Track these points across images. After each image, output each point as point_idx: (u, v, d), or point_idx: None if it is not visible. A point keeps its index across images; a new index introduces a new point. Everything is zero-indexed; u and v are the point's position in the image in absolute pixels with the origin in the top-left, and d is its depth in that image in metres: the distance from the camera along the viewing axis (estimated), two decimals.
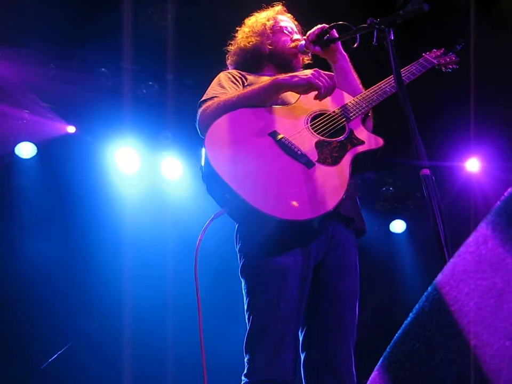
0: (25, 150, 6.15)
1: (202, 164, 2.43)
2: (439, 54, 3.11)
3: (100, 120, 6.14)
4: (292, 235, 2.42)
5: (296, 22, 3.18)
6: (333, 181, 2.39)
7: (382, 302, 6.66)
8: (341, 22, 2.78)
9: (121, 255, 6.01)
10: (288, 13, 3.20)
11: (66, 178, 6.29)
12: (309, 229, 2.42)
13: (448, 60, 3.11)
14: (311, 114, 2.66)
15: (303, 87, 2.62)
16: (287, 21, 3.14)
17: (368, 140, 2.59)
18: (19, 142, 6.11)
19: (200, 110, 2.68)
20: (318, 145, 2.50)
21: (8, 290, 5.90)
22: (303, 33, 3.10)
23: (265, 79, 2.76)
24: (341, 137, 2.56)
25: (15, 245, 6.04)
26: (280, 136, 2.49)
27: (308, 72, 2.63)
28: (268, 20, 3.08)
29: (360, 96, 2.78)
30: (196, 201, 6.39)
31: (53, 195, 6.27)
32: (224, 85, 2.80)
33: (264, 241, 2.45)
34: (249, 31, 3.06)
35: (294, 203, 2.30)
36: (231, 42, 3.15)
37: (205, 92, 2.82)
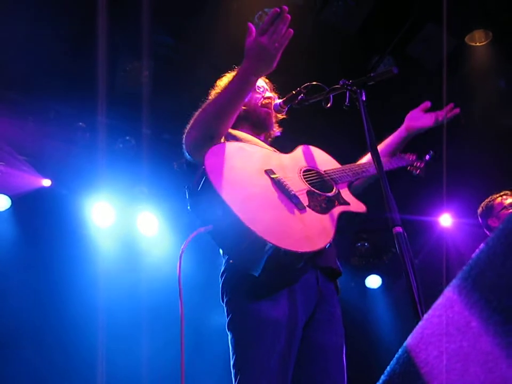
0: None
1: (197, 179, 2.43)
2: (413, 158, 3.35)
3: (76, 174, 6.13)
4: (279, 280, 2.43)
5: (267, 80, 3.25)
6: (321, 225, 2.44)
7: (357, 358, 6.59)
8: (314, 83, 2.85)
9: (95, 308, 5.92)
10: None
11: (41, 232, 6.23)
12: (295, 273, 2.44)
13: (417, 165, 3.34)
14: (303, 167, 2.75)
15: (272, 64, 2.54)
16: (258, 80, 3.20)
17: (352, 203, 2.69)
18: None
19: (184, 136, 2.69)
20: (309, 193, 2.57)
21: None
22: (274, 90, 3.16)
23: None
24: (330, 194, 2.65)
25: None
26: (275, 175, 2.54)
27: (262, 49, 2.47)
28: None
29: (348, 166, 2.93)
30: (171, 258, 6.37)
31: (27, 248, 6.20)
32: None
33: (253, 291, 2.44)
34: None
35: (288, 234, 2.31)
36: (203, 101, 3.18)
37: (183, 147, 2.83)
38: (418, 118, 3.33)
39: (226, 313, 2.57)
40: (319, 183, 2.69)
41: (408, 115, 3.36)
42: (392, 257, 7.69)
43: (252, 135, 2.94)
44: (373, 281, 7.89)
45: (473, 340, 0.93)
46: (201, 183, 2.40)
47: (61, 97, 5.86)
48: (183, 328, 2.25)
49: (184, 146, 2.69)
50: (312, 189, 2.61)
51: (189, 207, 2.72)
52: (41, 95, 5.82)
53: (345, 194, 2.72)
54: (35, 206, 6.26)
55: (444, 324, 1.00)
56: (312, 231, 2.39)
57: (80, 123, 6.09)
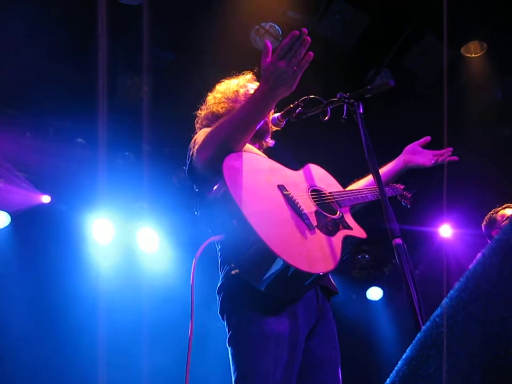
0: None
1: (212, 186, 2.44)
2: (401, 188, 3.43)
3: (75, 190, 6.14)
4: (283, 296, 2.44)
5: None
6: (329, 248, 2.46)
7: (359, 370, 6.56)
8: (312, 96, 2.86)
9: (95, 325, 5.90)
10: (258, 81, 3.25)
11: (41, 249, 6.22)
12: (299, 291, 2.45)
13: (405, 194, 3.44)
14: (311, 187, 2.76)
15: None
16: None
17: (355, 228, 2.70)
18: None
19: (197, 152, 2.64)
20: (317, 214, 2.58)
21: None
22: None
23: None
24: (335, 216, 2.66)
25: None
26: (288, 192, 2.54)
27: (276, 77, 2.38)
28: (240, 87, 3.09)
29: (349, 191, 2.96)
30: (172, 274, 6.36)
31: (26, 265, 6.19)
32: None
33: (255, 305, 2.45)
34: (221, 97, 3.06)
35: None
36: (201, 106, 3.16)
37: (184, 161, 2.82)
38: (418, 154, 3.36)
39: (227, 329, 2.56)
40: (325, 205, 2.69)
41: (408, 148, 3.39)
42: (393, 268, 7.68)
43: (248, 143, 2.94)
44: (374, 293, 7.87)
45: (471, 351, 0.93)
46: (218, 191, 2.41)
47: (60, 113, 5.89)
48: (191, 338, 2.26)
49: (194, 161, 2.65)
50: (320, 209, 2.62)
51: (196, 213, 2.71)
52: (40, 110, 5.84)
53: (348, 218, 2.74)
54: (35, 223, 6.26)
55: (442, 335, 1.01)
56: (320, 253, 2.41)
57: (80, 139, 6.11)
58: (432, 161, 3.34)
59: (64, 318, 6.13)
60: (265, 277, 2.32)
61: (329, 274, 2.77)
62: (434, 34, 5.57)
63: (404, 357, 1.14)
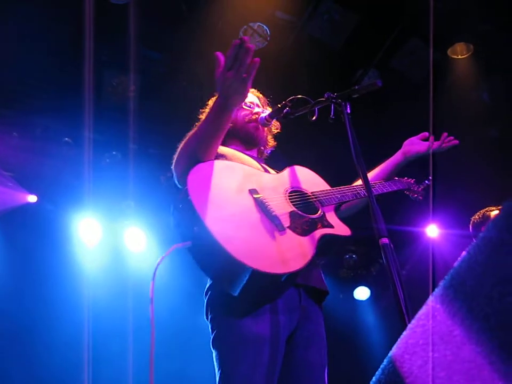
0: None
1: (179, 195, 2.47)
2: (411, 182, 3.40)
3: (62, 189, 6.11)
4: (259, 298, 2.44)
5: (260, 95, 3.25)
6: (299, 248, 2.44)
7: (346, 370, 6.58)
8: (299, 96, 2.86)
9: (81, 325, 5.87)
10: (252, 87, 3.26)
11: (27, 249, 6.18)
12: (275, 291, 2.45)
13: (415, 189, 3.40)
14: (290, 188, 2.74)
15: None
16: (249, 96, 3.19)
17: (337, 226, 2.68)
18: None
19: (173, 167, 2.72)
20: (292, 215, 2.57)
21: None
22: (269, 104, 3.18)
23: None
24: (314, 216, 2.64)
25: None
26: (258, 195, 2.54)
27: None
28: None
29: (337, 188, 2.92)
30: (159, 274, 6.33)
31: (12, 265, 6.14)
32: None
33: (235, 307, 2.45)
34: None
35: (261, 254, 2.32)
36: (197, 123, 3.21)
37: (170, 161, 2.83)
38: (416, 144, 3.35)
39: (210, 330, 2.59)
40: (304, 205, 2.68)
41: (406, 141, 3.37)
42: (380, 268, 7.72)
43: (242, 151, 2.94)
44: (361, 292, 7.90)
45: (457, 348, 0.94)
46: (183, 200, 2.42)
47: (47, 112, 5.85)
48: (153, 350, 2.27)
49: (174, 176, 2.73)
50: (296, 210, 2.60)
51: (171, 223, 2.73)
52: (27, 110, 5.81)
53: (330, 217, 2.71)
54: (21, 222, 6.22)
55: (428, 333, 1.01)
56: (288, 253, 2.39)
57: (67, 138, 6.08)
58: (428, 147, 3.32)
59: (50, 319, 6.10)
60: (234, 283, 2.33)
61: (322, 275, 2.78)
62: (422, 35, 5.60)
63: (389, 354, 1.14)
